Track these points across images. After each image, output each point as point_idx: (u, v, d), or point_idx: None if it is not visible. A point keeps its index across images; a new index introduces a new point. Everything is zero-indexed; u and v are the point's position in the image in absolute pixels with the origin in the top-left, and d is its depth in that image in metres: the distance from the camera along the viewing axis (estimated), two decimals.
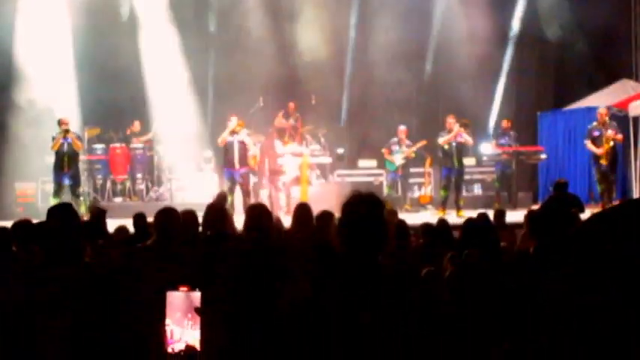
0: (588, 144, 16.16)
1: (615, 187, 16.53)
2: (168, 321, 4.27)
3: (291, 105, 18.28)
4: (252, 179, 16.64)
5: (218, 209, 7.78)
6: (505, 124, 18.09)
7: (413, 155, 17.68)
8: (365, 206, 3.82)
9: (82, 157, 16.42)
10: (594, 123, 16.18)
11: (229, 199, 14.64)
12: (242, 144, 15.59)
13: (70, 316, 4.46)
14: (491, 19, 19.22)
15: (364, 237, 3.78)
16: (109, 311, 4.61)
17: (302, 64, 18.70)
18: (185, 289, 4.24)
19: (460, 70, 19.24)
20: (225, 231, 7.76)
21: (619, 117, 17.42)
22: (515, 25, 20.24)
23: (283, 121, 17.97)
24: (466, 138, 16.16)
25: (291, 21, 18.97)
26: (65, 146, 15.29)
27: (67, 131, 15.28)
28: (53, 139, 15.41)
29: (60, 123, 15.41)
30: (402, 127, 17.72)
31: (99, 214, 9.49)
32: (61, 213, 4.80)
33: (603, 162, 15.75)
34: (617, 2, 19.07)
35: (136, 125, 18.61)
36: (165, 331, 4.22)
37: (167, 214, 6.22)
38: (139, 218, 9.89)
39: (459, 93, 18.89)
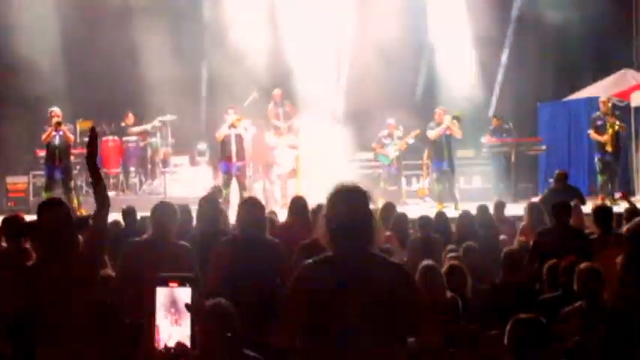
0: (592, 133, 16.12)
1: (617, 179, 16.43)
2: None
3: (277, 92, 17.70)
4: (248, 172, 16.62)
5: (210, 203, 7.75)
6: (495, 122, 18.17)
7: (405, 146, 17.57)
8: (350, 199, 3.76)
9: (74, 151, 16.24)
10: (597, 112, 16.15)
11: (224, 192, 14.83)
12: (239, 137, 15.64)
13: (65, 311, 4.53)
14: (490, 9, 19.11)
15: (351, 232, 3.70)
16: (102, 306, 4.83)
17: (297, 56, 18.60)
18: (175, 284, 4.05)
19: (458, 61, 19.23)
20: (218, 225, 7.70)
21: (620, 107, 17.34)
22: (514, 14, 20.14)
23: (273, 111, 17.71)
24: (454, 130, 16.00)
25: (286, 13, 18.92)
26: (57, 139, 15.07)
27: (58, 124, 15.05)
28: (44, 131, 15.21)
29: (51, 115, 15.18)
30: (391, 121, 17.62)
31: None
32: (51, 208, 4.79)
33: (609, 148, 15.66)
34: None
35: (130, 117, 18.37)
36: (155, 326, 4.04)
37: (164, 208, 6.35)
38: (128, 212, 9.80)
39: (457, 84, 18.88)
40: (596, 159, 16.14)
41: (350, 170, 17.82)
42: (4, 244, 7.44)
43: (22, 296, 4.58)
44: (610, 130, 15.64)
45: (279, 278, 6.06)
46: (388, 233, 8.70)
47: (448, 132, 15.91)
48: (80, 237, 5.21)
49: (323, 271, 3.73)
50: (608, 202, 14.11)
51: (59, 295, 4.53)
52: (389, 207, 10.43)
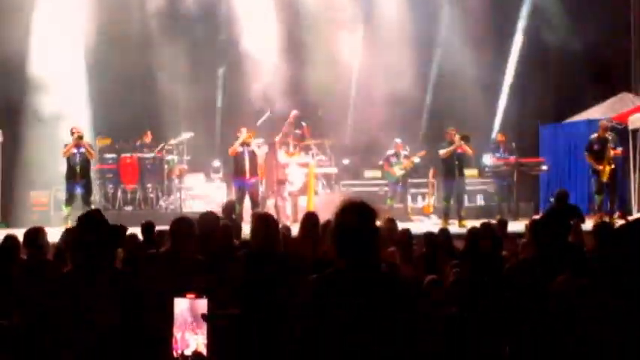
0: (587, 156, 16.30)
1: (615, 198, 16.65)
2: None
3: (293, 114, 18.07)
4: (260, 189, 16.83)
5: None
6: (500, 137, 18.46)
7: (411, 165, 17.92)
8: (356, 214, 3.77)
9: (93, 167, 16.66)
10: (594, 135, 16.32)
11: (238, 208, 14.86)
12: (252, 154, 15.80)
13: (96, 320, 4.56)
14: (492, 34, 19.47)
15: (357, 247, 3.73)
16: (127, 316, 4.73)
17: (309, 78, 18.93)
18: (192, 296, 4.36)
19: (463, 83, 19.43)
20: (229, 239, 7.91)
21: (618, 129, 17.60)
22: (517, 39, 20.49)
23: (287, 130, 17.96)
24: (466, 148, 16.36)
25: (300, 37, 19.26)
26: (77, 156, 15.47)
27: (80, 138, 15.46)
28: (65, 146, 15.61)
29: (72, 132, 15.60)
30: (398, 140, 17.97)
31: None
32: (92, 221, 4.82)
33: (604, 178, 15.92)
34: (616, 17, 19.34)
35: (149, 135, 18.75)
36: (173, 336, 4.36)
37: (183, 223, 6.37)
38: (147, 227, 10.04)
39: (461, 105, 19.12)
40: (592, 180, 16.39)
41: (357, 188, 18.23)
42: (25, 257, 7.55)
43: (52, 300, 4.63)
44: (608, 167, 15.94)
45: (292, 291, 6.10)
46: (392, 249, 8.73)
47: (460, 150, 16.24)
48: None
49: (331, 284, 3.74)
50: (607, 220, 14.30)
51: (86, 306, 4.53)
52: (390, 223, 10.57)
